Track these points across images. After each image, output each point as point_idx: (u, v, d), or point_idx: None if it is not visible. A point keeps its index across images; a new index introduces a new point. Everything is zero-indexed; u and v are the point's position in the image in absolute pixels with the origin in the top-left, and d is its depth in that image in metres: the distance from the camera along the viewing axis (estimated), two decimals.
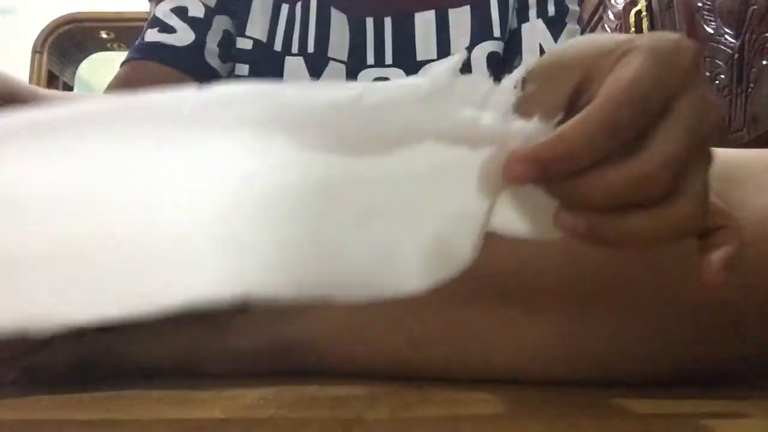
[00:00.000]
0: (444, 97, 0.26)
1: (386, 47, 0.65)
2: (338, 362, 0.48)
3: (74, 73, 2.98)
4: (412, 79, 0.26)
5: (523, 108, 0.27)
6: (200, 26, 0.64)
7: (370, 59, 0.65)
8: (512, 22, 0.65)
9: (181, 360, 0.51)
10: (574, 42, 0.30)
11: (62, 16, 2.93)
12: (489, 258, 0.46)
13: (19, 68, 2.87)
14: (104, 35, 2.89)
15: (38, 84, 2.82)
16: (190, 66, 0.64)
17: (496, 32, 0.65)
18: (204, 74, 0.65)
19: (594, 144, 0.25)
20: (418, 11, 0.65)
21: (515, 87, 0.27)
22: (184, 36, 0.63)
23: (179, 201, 0.25)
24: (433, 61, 0.64)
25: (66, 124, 0.25)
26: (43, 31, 2.91)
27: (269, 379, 0.46)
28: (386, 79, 0.65)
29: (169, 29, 0.63)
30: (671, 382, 0.39)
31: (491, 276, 0.44)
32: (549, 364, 0.42)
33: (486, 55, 0.64)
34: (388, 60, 0.65)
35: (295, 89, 0.25)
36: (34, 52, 2.86)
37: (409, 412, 0.33)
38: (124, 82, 0.63)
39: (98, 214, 0.25)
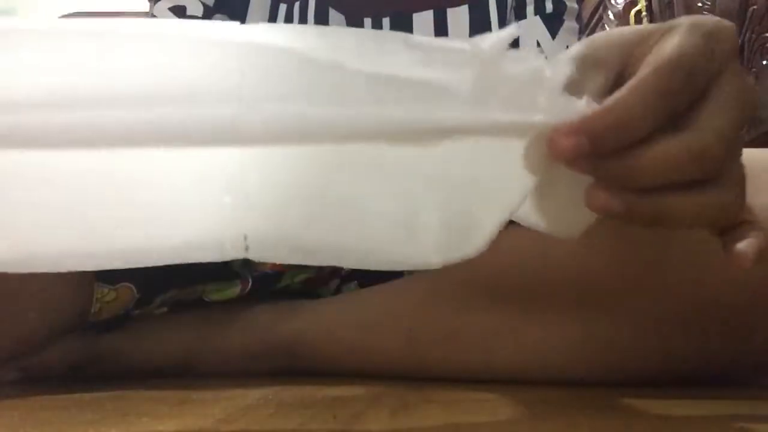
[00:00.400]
0: (492, 73, 0.24)
1: None
2: (338, 362, 0.48)
3: None
4: (459, 45, 0.24)
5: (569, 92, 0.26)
6: None
7: None
8: (510, 19, 0.65)
9: (181, 360, 0.51)
10: (616, 30, 0.30)
11: (62, 16, 2.93)
12: (489, 259, 0.46)
13: None
14: None
15: None
16: None
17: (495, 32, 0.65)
18: None
19: (647, 111, 0.24)
20: (416, 11, 0.65)
21: (567, 65, 0.26)
22: None
23: (188, 136, 0.22)
24: None
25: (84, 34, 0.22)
26: None
27: (269, 379, 0.46)
28: None
29: None
30: (671, 383, 0.40)
31: (491, 277, 0.44)
32: (548, 365, 0.42)
33: None
34: None
35: (331, 33, 0.23)
36: None
37: (408, 412, 0.33)
38: None
39: (99, 144, 0.22)
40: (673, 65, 0.25)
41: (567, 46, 0.63)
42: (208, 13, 0.64)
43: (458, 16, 0.65)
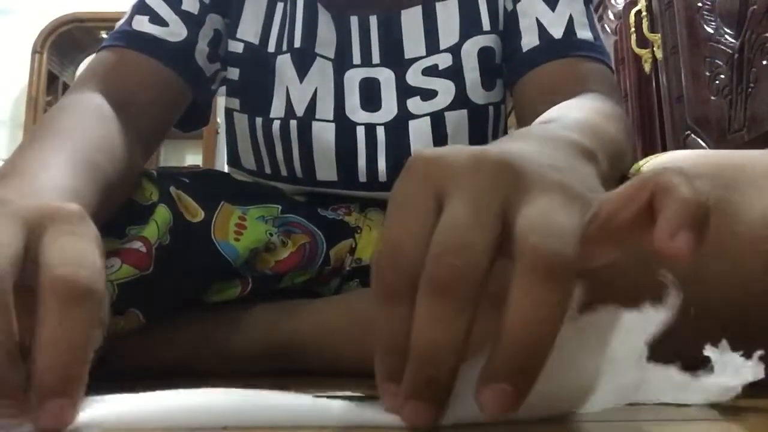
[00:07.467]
0: None
1: (372, 46, 0.64)
2: (338, 362, 0.48)
3: (74, 73, 2.98)
4: None
5: None
6: (193, 22, 0.61)
7: (356, 59, 0.64)
8: (507, 4, 0.63)
9: (181, 360, 0.51)
10: None
11: (62, 16, 2.93)
12: None
13: (19, 68, 2.87)
14: (104, 35, 2.89)
15: (38, 84, 2.82)
16: (178, 64, 0.59)
17: (486, 26, 0.63)
18: (191, 73, 0.61)
19: None
20: (404, 8, 0.64)
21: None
22: (176, 30, 0.60)
23: None
24: (421, 58, 0.63)
25: None
26: (43, 31, 2.91)
27: (269, 379, 0.46)
28: (375, 79, 0.63)
29: (161, 21, 0.59)
30: None
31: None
32: None
33: (477, 50, 0.63)
34: (375, 59, 0.64)
35: None
36: (34, 52, 2.86)
37: None
38: (107, 70, 0.57)
39: None
40: None
41: (570, 15, 0.60)
42: (203, 11, 0.62)
43: (447, 10, 0.64)
